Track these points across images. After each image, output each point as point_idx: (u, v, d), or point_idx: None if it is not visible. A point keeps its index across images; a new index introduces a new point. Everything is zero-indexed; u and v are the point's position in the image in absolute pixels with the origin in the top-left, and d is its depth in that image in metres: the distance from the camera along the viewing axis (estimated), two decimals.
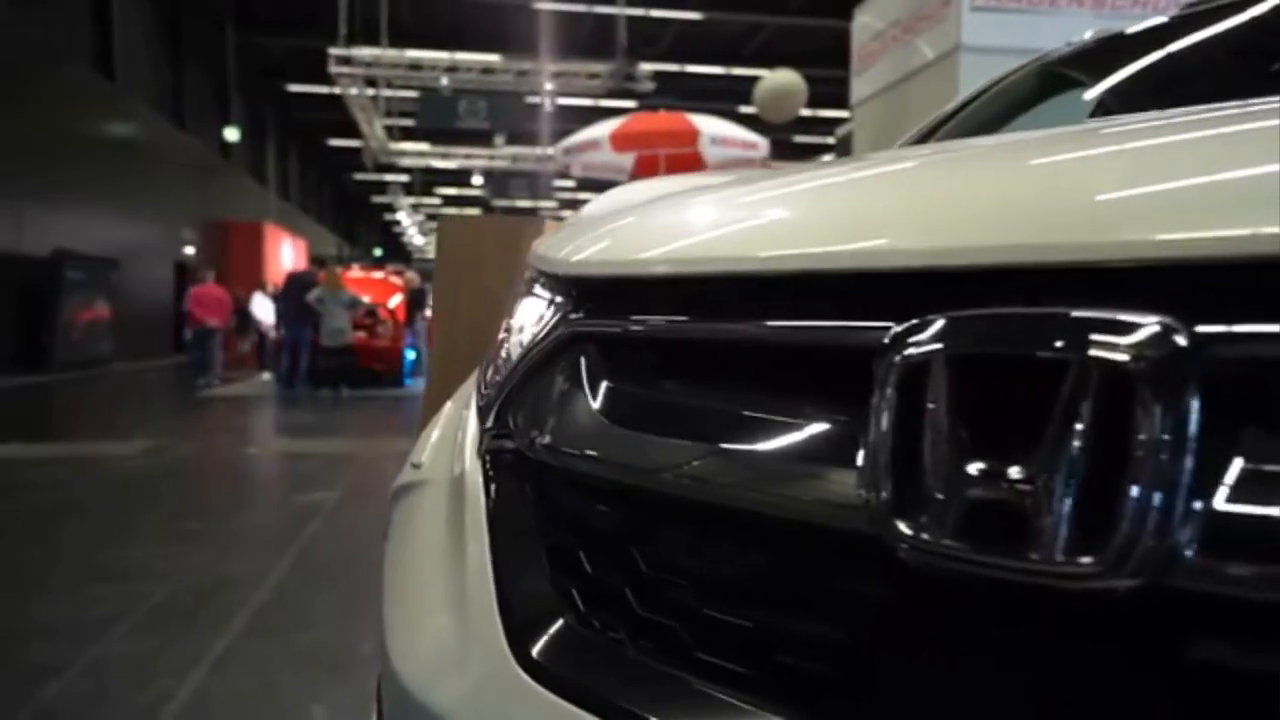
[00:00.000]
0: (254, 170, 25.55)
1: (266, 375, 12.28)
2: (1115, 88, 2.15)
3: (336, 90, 14.60)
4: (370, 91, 15.54)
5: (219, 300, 11.99)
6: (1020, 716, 0.44)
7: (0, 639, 2.54)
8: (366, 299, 10.40)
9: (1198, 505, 0.39)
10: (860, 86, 8.37)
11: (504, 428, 0.79)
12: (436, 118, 13.35)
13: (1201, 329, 0.41)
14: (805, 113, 13.48)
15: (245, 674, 2.31)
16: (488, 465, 0.81)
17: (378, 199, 33.50)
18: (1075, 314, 0.43)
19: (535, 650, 0.64)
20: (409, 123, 16.94)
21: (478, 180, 20.49)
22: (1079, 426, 0.41)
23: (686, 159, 6.65)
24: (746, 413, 0.58)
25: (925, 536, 0.45)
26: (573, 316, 0.74)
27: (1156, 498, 0.39)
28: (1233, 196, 0.44)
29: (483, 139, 17.69)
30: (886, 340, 0.49)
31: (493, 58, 14.92)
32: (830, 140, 13.81)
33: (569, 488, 0.70)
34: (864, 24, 8.53)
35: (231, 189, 22.50)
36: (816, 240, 0.57)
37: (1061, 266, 0.46)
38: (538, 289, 0.84)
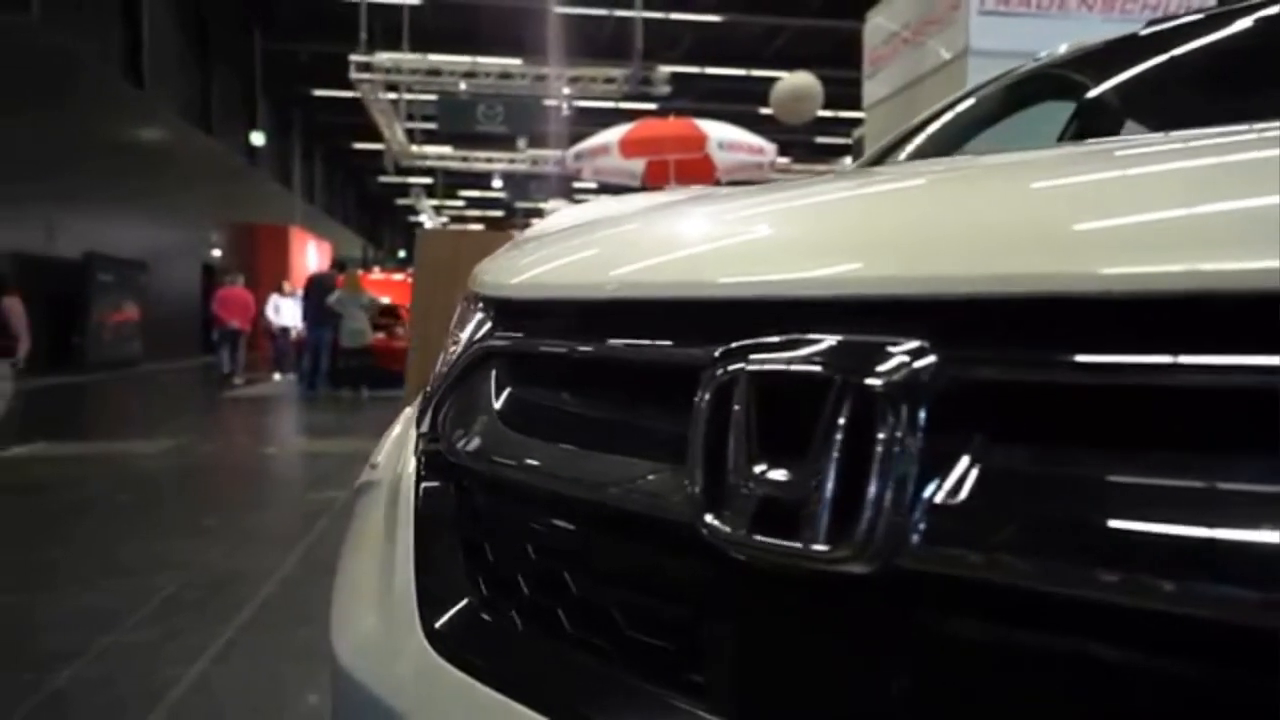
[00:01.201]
0: (280, 174, 25.92)
1: (288, 375, 12.50)
2: (1088, 104, 2.21)
3: (359, 94, 14.81)
4: (391, 96, 15.75)
5: (243, 302, 12.24)
6: (797, 674, 0.52)
7: (18, 628, 2.67)
8: (386, 300, 10.58)
9: (924, 500, 0.48)
10: (872, 89, 8.41)
11: (433, 432, 0.88)
12: (455, 122, 13.53)
13: (938, 354, 0.49)
14: (826, 114, 13.51)
15: (247, 664, 2.42)
16: (420, 466, 0.90)
17: (401, 201, 33.83)
18: (836, 340, 0.51)
19: (441, 629, 0.73)
20: (431, 126, 17.14)
21: (498, 183, 20.68)
22: (837, 436, 0.50)
23: (695, 164, 6.74)
24: (612, 419, 0.67)
25: (725, 527, 0.53)
26: (487, 333, 0.83)
27: (889, 495, 0.48)
28: (975, 240, 0.53)
29: (504, 142, 17.84)
30: (710, 360, 0.57)
31: (510, 61, 15.08)
32: (848, 141, 13.82)
33: (478, 487, 0.79)
34: (877, 26, 8.56)
35: (257, 192, 22.85)
36: (667, 271, 0.66)
37: (839, 299, 0.54)
38: (472, 307, 0.94)
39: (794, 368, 0.53)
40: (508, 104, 13.25)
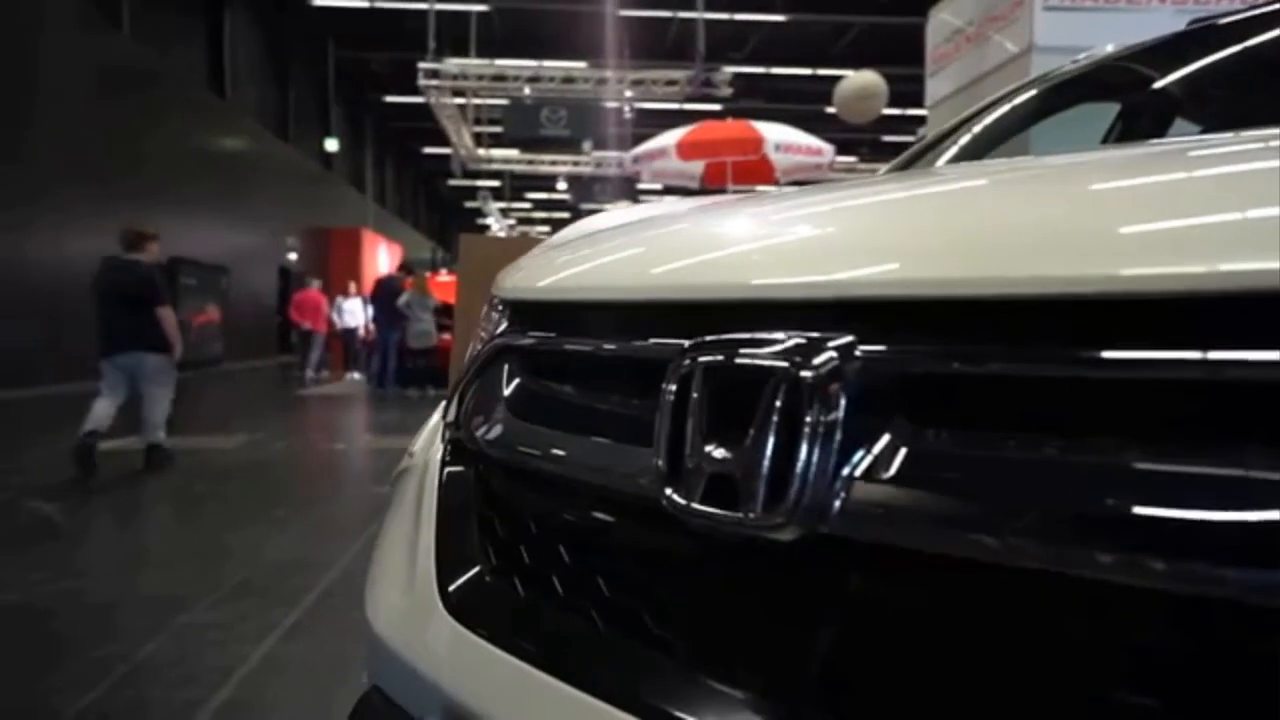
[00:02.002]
0: (353, 178, 26.66)
1: (357, 375, 12.89)
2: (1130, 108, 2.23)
3: (428, 100, 15.19)
4: (458, 101, 16.09)
5: (315, 305, 12.69)
6: (741, 627, 0.60)
7: (104, 608, 2.87)
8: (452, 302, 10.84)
9: (845, 475, 0.55)
10: (934, 87, 8.32)
11: (455, 421, 0.97)
12: (520, 126, 13.78)
13: (864, 349, 0.56)
14: (894, 111, 13.37)
15: (311, 644, 2.57)
16: (445, 452, 0.99)
17: (469, 204, 34.42)
18: (775, 336, 0.59)
19: (454, 594, 0.82)
20: (498, 130, 17.44)
21: (562, 185, 20.94)
22: (773, 419, 0.57)
23: (753, 165, 6.78)
24: (599, 407, 0.75)
25: (681, 500, 0.61)
26: (501, 332, 0.92)
27: (814, 470, 0.55)
28: (901, 247, 0.59)
29: (570, 145, 18.05)
30: (675, 355, 0.65)
31: (575, 65, 15.28)
32: (913, 139, 13.66)
33: (491, 469, 0.88)
34: (940, 22, 8.47)
35: (332, 197, 23.55)
36: (644, 277, 0.74)
37: (787, 301, 0.61)
38: (492, 309, 1.03)
39: (739, 361, 0.60)
40: (571, 108, 13.45)
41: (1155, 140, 1.47)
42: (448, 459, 0.98)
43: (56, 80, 11.57)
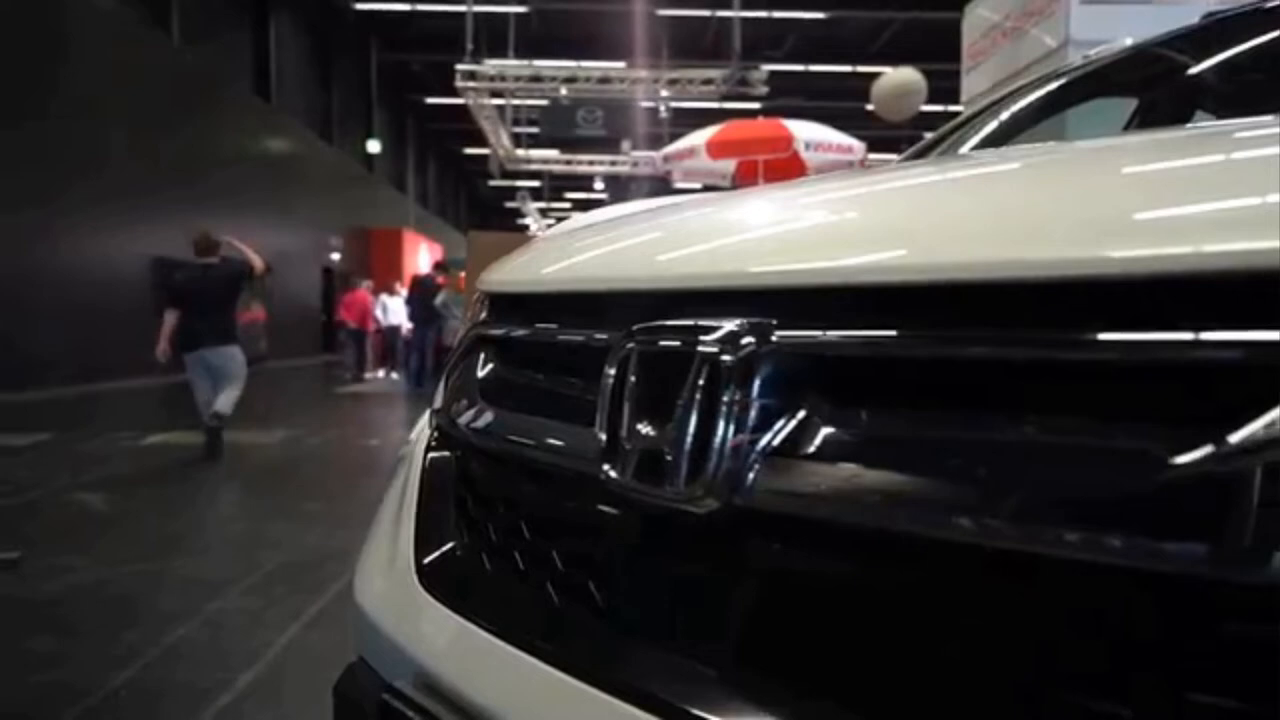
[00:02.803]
0: (395, 179, 27.03)
1: (395, 374, 13.09)
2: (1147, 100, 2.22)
3: (466, 102, 15.38)
4: (497, 102, 16.25)
5: (360, 305, 12.94)
6: (667, 593, 0.64)
7: (141, 593, 2.99)
8: None
9: (757, 451, 0.58)
10: (971, 83, 8.24)
11: (440, 407, 1.02)
12: (557, 127, 13.89)
13: (780, 333, 0.60)
14: (933, 108, 13.23)
15: (334, 631, 2.65)
16: (431, 438, 1.04)
17: (509, 204, 34.71)
18: (698, 323, 0.63)
19: (428, 568, 0.87)
20: (536, 130, 17.59)
21: (600, 185, 21.05)
22: (697, 397, 0.61)
23: (784, 164, 6.78)
24: (555, 391, 0.79)
25: (617, 476, 0.65)
26: (480, 322, 0.97)
27: (729, 447, 0.59)
28: (818, 238, 0.63)
29: (609, 145, 18.12)
30: (615, 341, 0.69)
31: (612, 65, 15.35)
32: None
33: (465, 450, 0.93)
34: (976, 18, 8.39)
35: (374, 197, 23.90)
36: (594, 269, 0.78)
37: (709, 290, 0.65)
38: (477, 301, 1.08)
39: (666, 346, 0.64)
40: (606, 108, 13.52)
41: (1126, 133, 1.48)
42: (432, 444, 1.03)
43: (107, 86, 11.92)
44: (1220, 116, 1.96)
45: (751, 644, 0.58)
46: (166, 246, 13.36)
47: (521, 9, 17.84)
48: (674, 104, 16.63)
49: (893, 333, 0.55)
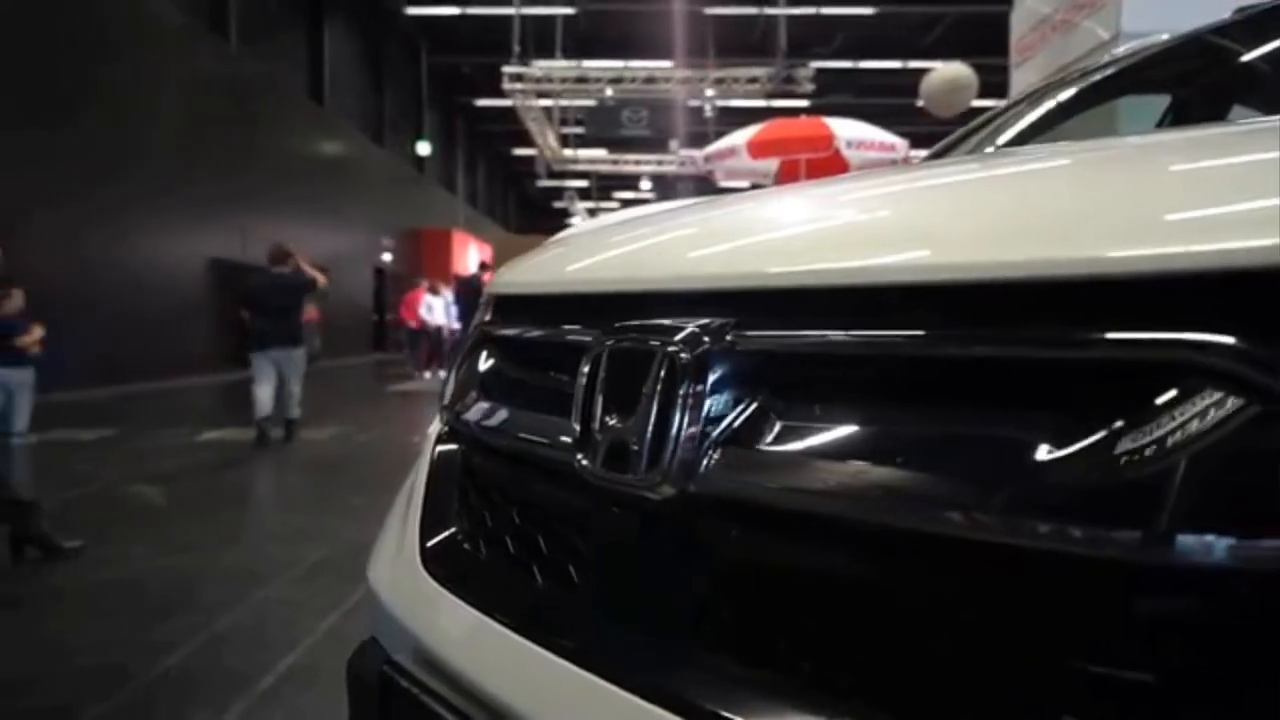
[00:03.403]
0: (444, 180, 27.42)
1: (442, 373, 13.31)
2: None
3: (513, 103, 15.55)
4: (544, 103, 16.40)
5: (416, 304, 13.25)
6: (633, 572, 0.68)
7: (193, 581, 3.12)
8: None
9: (710, 441, 0.63)
10: (1020, 78, 8.11)
11: (447, 402, 1.08)
12: (602, 127, 13.99)
13: (735, 332, 0.64)
14: (987, 103, 13.02)
15: None
16: (441, 431, 1.10)
17: (557, 204, 34.94)
18: (661, 323, 0.67)
19: (430, 553, 0.93)
20: (583, 130, 17.71)
21: (646, 185, 21.11)
22: (659, 390, 0.65)
23: (826, 163, 6.75)
24: (544, 386, 0.84)
25: (588, 464, 0.70)
26: (484, 321, 1.03)
27: (685, 437, 0.63)
28: (774, 243, 0.67)
29: (657, 144, 18.17)
30: (592, 340, 0.74)
31: (659, 64, 15.38)
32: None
33: (467, 444, 0.99)
34: (1025, 11, 8.26)
35: (424, 198, 24.28)
36: (577, 273, 0.83)
37: (683, 292, 0.70)
38: (487, 302, 1.14)
39: (633, 345, 0.69)
40: (652, 108, 13.57)
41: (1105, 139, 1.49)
42: (441, 437, 1.09)
43: (167, 91, 12.30)
44: (1259, 111, 1.95)
45: (705, 621, 0.63)
46: (223, 248, 13.75)
47: (569, 10, 17.98)
48: (720, 103, 16.61)
49: (830, 333, 0.59)
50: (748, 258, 0.68)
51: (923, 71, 8.53)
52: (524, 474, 0.85)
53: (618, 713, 0.61)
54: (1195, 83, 2.19)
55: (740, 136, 7.48)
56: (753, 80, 13.81)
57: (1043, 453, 0.49)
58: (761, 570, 0.61)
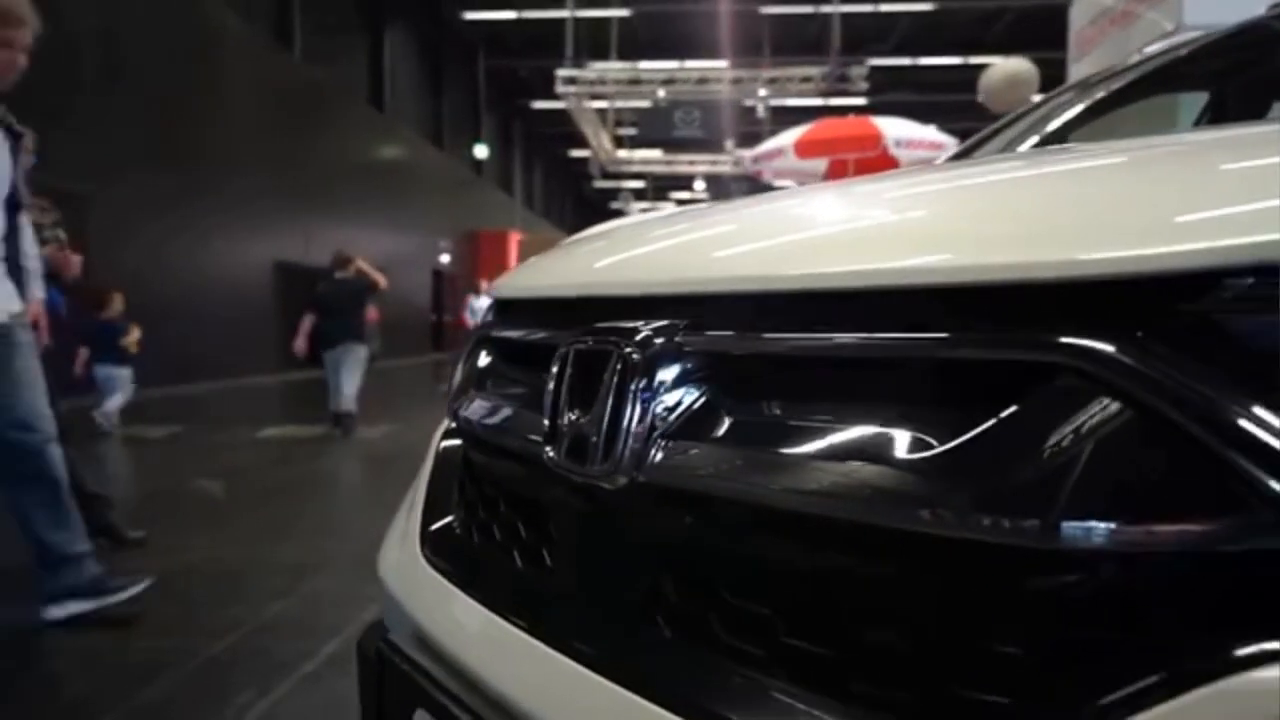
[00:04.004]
0: (502, 182, 27.78)
1: None
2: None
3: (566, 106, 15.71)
4: (598, 104, 16.53)
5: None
6: (595, 555, 0.73)
7: (243, 573, 3.26)
8: None
9: (658, 434, 0.67)
10: (1078, 73, 7.95)
11: (450, 398, 1.14)
12: (654, 128, 14.06)
13: (684, 333, 0.69)
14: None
15: None
16: (445, 427, 1.16)
17: (614, 205, 35.13)
18: (618, 325, 0.72)
19: (429, 542, 0.99)
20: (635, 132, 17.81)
21: (700, 185, 21.12)
22: (614, 388, 0.70)
23: (874, 162, 6.69)
24: (525, 383, 0.90)
25: (554, 456, 0.75)
26: (486, 323, 1.08)
27: (635, 430, 0.68)
28: (719, 251, 0.72)
29: (712, 145, 18.18)
30: (563, 341, 0.79)
31: (713, 65, 15.39)
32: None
33: (464, 438, 1.05)
34: (1087, 4, 8.08)
35: (482, 200, 24.63)
36: (557, 278, 0.88)
37: (637, 297, 0.75)
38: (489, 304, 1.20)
39: (594, 346, 0.74)
40: (704, 108, 13.59)
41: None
42: (445, 432, 1.15)
43: (234, 100, 12.72)
44: None
45: (653, 601, 0.67)
46: (287, 251, 14.15)
47: (624, 12, 18.09)
48: (775, 102, 16.53)
49: (764, 335, 0.63)
50: (697, 265, 0.73)
51: (985, 67, 8.38)
52: (508, 466, 0.91)
53: (574, 685, 0.66)
54: (1231, 80, 2.16)
55: (787, 137, 7.46)
56: (806, 80, 13.73)
57: (941, 445, 0.52)
58: (702, 554, 0.65)
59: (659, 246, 0.82)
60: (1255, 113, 2.00)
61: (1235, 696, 0.40)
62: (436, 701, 0.79)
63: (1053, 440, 0.48)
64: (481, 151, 24.07)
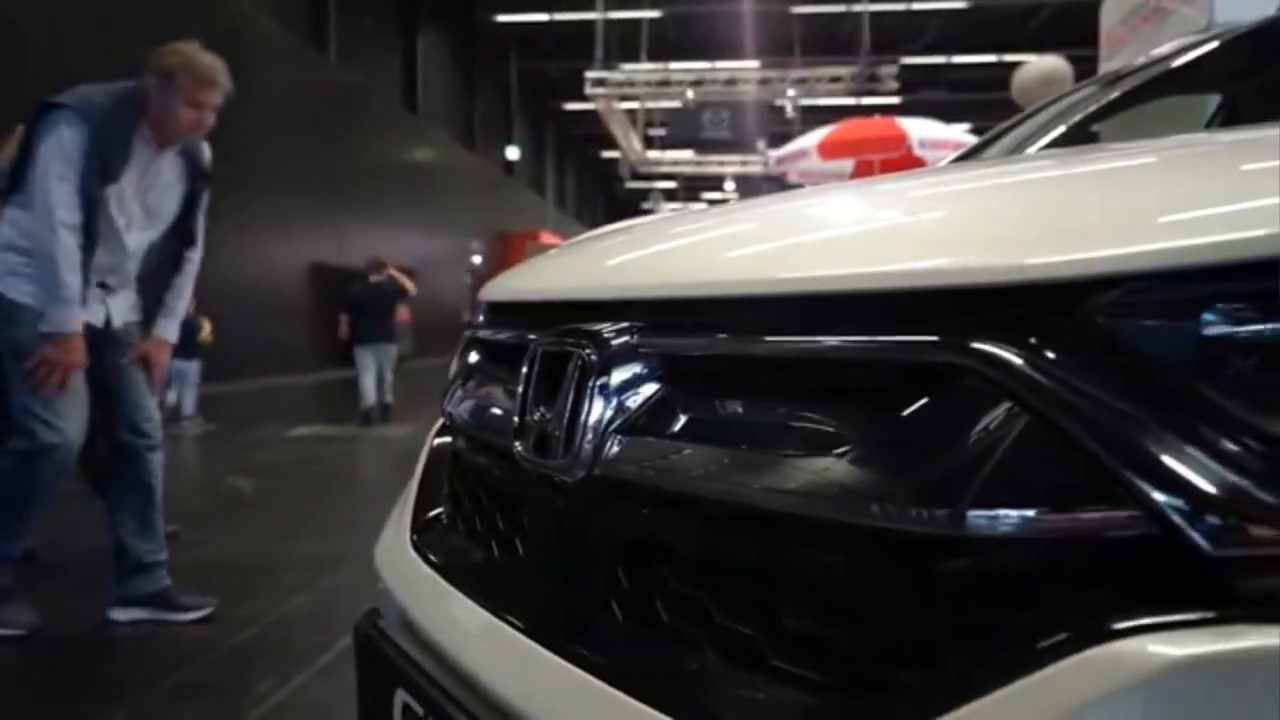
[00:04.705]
0: (534, 183, 27.95)
1: None
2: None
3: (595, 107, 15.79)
4: (627, 105, 16.59)
5: None
6: (558, 542, 0.77)
7: (268, 566, 3.34)
8: None
9: (614, 430, 0.71)
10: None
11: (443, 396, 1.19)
12: (683, 129, 14.09)
13: (638, 336, 0.73)
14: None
15: None
16: (440, 424, 1.21)
17: (645, 205, 35.17)
18: (580, 327, 0.76)
19: (418, 534, 1.04)
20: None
21: (730, 185, 21.11)
22: (571, 388, 0.74)
23: (899, 163, 6.66)
24: (503, 381, 0.94)
25: (522, 450, 0.79)
26: (476, 324, 1.13)
27: (592, 426, 0.72)
28: (669, 259, 0.75)
29: (733, 145, 18.16)
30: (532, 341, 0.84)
31: (744, 65, 15.38)
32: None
33: (453, 433, 1.09)
34: (1118, 1, 7.99)
35: (513, 201, 24.81)
36: (533, 283, 0.92)
37: (598, 301, 0.79)
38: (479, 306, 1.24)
39: (559, 347, 0.78)
40: (733, 109, 13.60)
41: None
42: (438, 429, 1.20)
43: (271, 104, 12.94)
44: None
45: (608, 587, 0.71)
46: (322, 253, 14.38)
47: (655, 14, 18.13)
48: (806, 102, 16.50)
49: (705, 337, 0.67)
50: (652, 272, 0.76)
51: (1020, 65, 8.31)
52: (486, 460, 0.95)
53: (537, 666, 0.70)
54: (1242, 82, 2.16)
55: (811, 138, 7.46)
56: (835, 80, 13.69)
57: (859, 442, 0.56)
58: (650, 542, 0.69)
59: (623, 254, 0.86)
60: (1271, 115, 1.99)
61: (1105, 662, 0.43)
62: (413, 681, 0.84)
63: (957, 437, 0.52)
64: (513, 153, 24.24)
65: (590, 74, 14.45)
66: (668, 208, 26.87)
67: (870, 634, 0.54)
